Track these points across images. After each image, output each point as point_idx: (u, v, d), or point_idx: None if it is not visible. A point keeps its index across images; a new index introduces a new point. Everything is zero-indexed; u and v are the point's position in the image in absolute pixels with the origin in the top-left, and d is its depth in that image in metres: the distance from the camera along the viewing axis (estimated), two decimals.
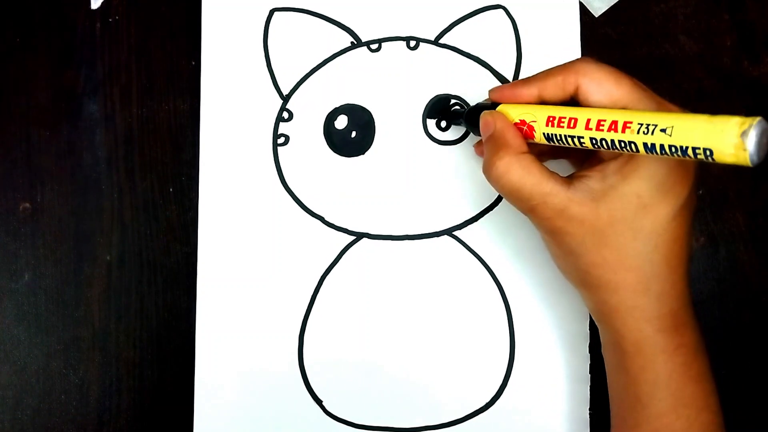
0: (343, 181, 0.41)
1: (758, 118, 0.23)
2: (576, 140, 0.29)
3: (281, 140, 0.42)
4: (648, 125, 0.26)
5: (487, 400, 0.40)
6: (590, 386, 0.40)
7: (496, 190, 0.32)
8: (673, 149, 0.25)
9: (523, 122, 0.32)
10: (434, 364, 0.41)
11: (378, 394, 0.41)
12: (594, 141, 0.29)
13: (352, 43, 0.42)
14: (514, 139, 0.32)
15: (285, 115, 0.42)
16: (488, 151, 0.32)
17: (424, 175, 0.41)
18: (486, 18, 0.42)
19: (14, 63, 0.43)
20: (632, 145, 0.27)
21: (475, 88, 0.41)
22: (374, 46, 0.42)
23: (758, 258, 0.41)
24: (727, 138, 0.23)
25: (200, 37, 0.42)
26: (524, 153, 0.31)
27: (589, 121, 0.29)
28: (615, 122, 0.28)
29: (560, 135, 0.30)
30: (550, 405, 0.40)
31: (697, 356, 0.32)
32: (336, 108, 0.42)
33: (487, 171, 0.32)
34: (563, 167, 0.35)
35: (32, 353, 0.42)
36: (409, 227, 0.41)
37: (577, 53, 0.41)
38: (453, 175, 0.41)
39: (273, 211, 0.41)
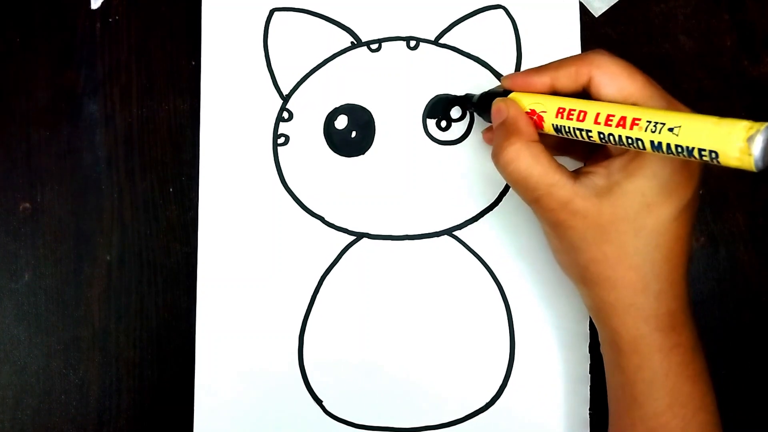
0: (343, 181, 0.41)
1: (766, 124, 0.23)
2: (584, 133, 0.29)
3: (281, 140, 0.42)
4: (656, 123, 0.26)
5: (487, 400, 0.40)
6: (590, 386, 0.40)
7: (503, 177, 0.32)
8: (679, 149, 0.25)
9: (533, 112, 0.32)
10: (434, 364, 0.41)
11: (378, 394, 0.41)
12: (602, 135, 0.29)
13: (352, 43, 0.42)
14: (526, 127, 0.32)
15: (285, 115, 0.42)
16: (499, 137, 0.32)
17: (424, 175, 0.41)
18: (486, 18, 0.42)
19: (14, 63, 0.43)
20: (639, 142, 0.27)
21: (475, 88, 0.41)
22: (374, 46, 0.42)
23: (758, 258, 0.41)
24: (734, 142, 0.23)
25: (200, 37, 0.42)
26: (535, 141, 0.31)
27: (598, 115, 0.29)
28: (624, 118, 0.28)
29: (569, 127, 0.30)
30: (550, 405, 0.40)
31: (694, 356, 0.32)
32: (336, 108, 0.42)
33: (496, 157, 0.32)
34: (567, 164, 0.35)
35: (32, 353, 0.42)
36: (409, 227, 0.41)
37: (576, 53, 0.41)
38: (453, 175, 0.41)
39: (273, 211, 0.41)
